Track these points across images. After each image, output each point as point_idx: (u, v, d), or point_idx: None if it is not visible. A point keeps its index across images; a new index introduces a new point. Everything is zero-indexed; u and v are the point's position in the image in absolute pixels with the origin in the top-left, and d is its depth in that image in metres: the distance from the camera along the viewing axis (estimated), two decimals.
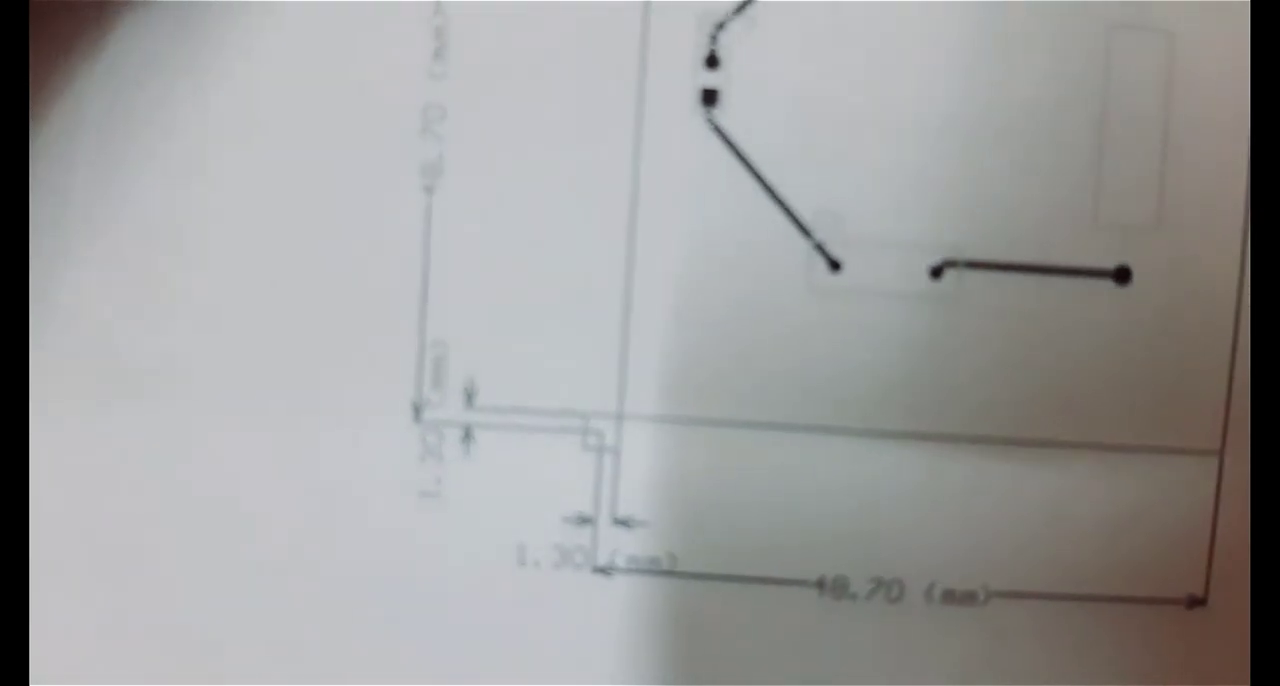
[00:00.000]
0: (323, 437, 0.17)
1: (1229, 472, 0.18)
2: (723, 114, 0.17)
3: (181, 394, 0.17)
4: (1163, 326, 0.17)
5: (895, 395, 0.17)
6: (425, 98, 0.17)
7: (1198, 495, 0.17)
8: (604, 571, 0.17)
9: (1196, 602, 0.18)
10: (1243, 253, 0.17)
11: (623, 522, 0.17)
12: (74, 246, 0.17)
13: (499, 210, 0.17)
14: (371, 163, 0.17)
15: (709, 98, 0.17)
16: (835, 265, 0.17)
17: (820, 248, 0.17)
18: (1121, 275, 0.17)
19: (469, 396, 0.17)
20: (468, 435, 0.17)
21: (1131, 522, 0.17)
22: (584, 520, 0.17)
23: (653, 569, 0.17)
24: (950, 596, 0.17)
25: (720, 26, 0.17)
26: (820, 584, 0.17)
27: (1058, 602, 0.17)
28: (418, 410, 0.17)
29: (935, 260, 0.17)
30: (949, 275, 0.17)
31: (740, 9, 0.17)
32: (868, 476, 0.17)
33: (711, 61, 0.17)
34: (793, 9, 0.17)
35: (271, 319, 0.17)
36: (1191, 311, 0.17)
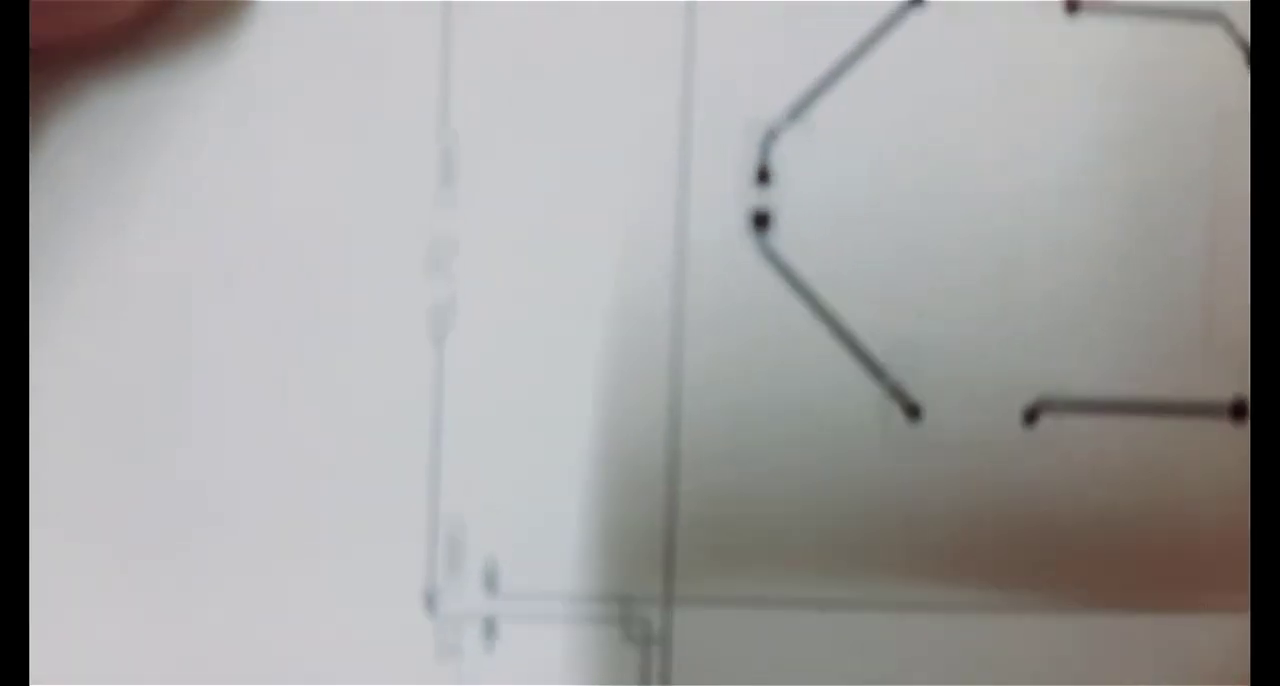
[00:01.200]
0: (323, 633, 0.14)
1: None
2: (777, 238, 0.14)
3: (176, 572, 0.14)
4: None
5: (986, 562, 0.15)
6: (433, 231, 0.14)
7: None
8: None
9: None
10: None
11: None
12: None
13: (520, 362, 0.14)
14: (374, 309, 0.14)
15: (761, 220, 0.14)
16: (914, 411, 0.15)
17: (896, 390, 0.15)
18: (1238, 410, 0.15)
19: (490, 581, 0.14)
20: (490, 628, 0.14)
21: None
22: None
23: None
24: None
25: (772, 135, 0.14)
26: None
27: None
28: (431, 600, 0.14)
29: (1029, 400, 0.15)
30: (1045, 420, 0.15)
31: (795, 114, 0.14)
32: (961, 655, 0.15)
33: (763, 176, 0.14)
34: (857, 112, 0.14)
35: (265, 496, 0.14)
36: None
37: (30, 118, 0.14)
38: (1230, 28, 0.15)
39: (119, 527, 0.14)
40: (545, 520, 0.14)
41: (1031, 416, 0.15)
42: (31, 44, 0.12)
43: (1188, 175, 0.15)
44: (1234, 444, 0.15)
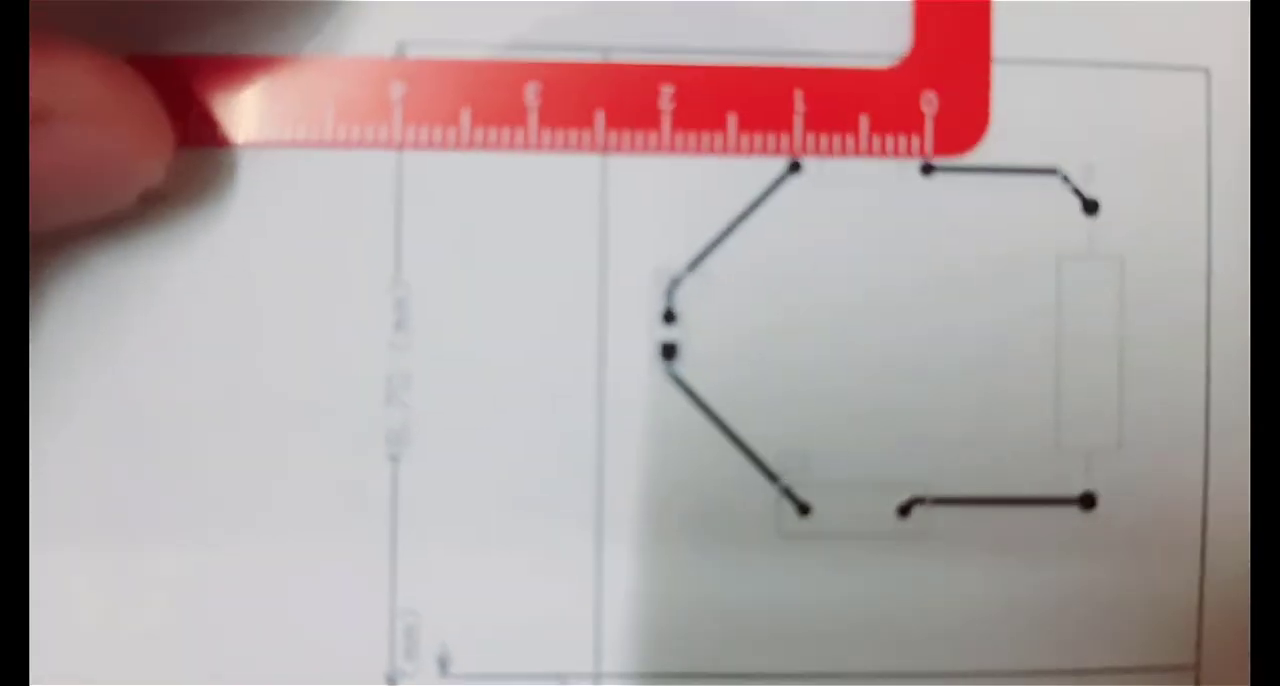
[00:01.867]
0: None
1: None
2: (682, 365, 0.17)
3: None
4: (1130, 547, 0.18)
5: (871, 635, 0.17)
6: (389, 367, 0.17)
7: None
8: None
9: None
10: (1205, 466, 0.18)
11: None
12: None
13: (467, 475, 0.17)
14: (338, 432, 0.17)
15: (668, 351, 0.17)
16: (804, 509, 0.17)
17: (788, 492, 0.17)
18: (1086, 501, 0.18)
19: (443, 665, 0.17)
20: None
21: None
22: None
23: None
24: None
25: (675, 282, 0.17)
26: None
27: None
28: (391, 682, 0.17)
29: (903, 498, 0.17)
30: (917, 512, 0.17)
31: (694, 265, 0.17)
32: None
33: (669, 316, 0.17)
34: (746, 261, 0.17)
35: (239, 590, 0.17)
36: (1158, 530, 0.18)
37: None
38: (1066, 179, 0.17)
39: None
40: (490, 609, 0.17)
41: (905, 510, 0.17)
42: (33, 228, 0.14)
43: (1033, 307, 0.17)
44: (1084, 529, 0.18)
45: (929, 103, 0.17)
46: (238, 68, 0.17)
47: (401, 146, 0.17)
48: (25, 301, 0.15)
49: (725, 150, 0.17)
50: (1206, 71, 0.18)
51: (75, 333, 0.17)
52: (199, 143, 0.17)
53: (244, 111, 0.17)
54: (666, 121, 0.17)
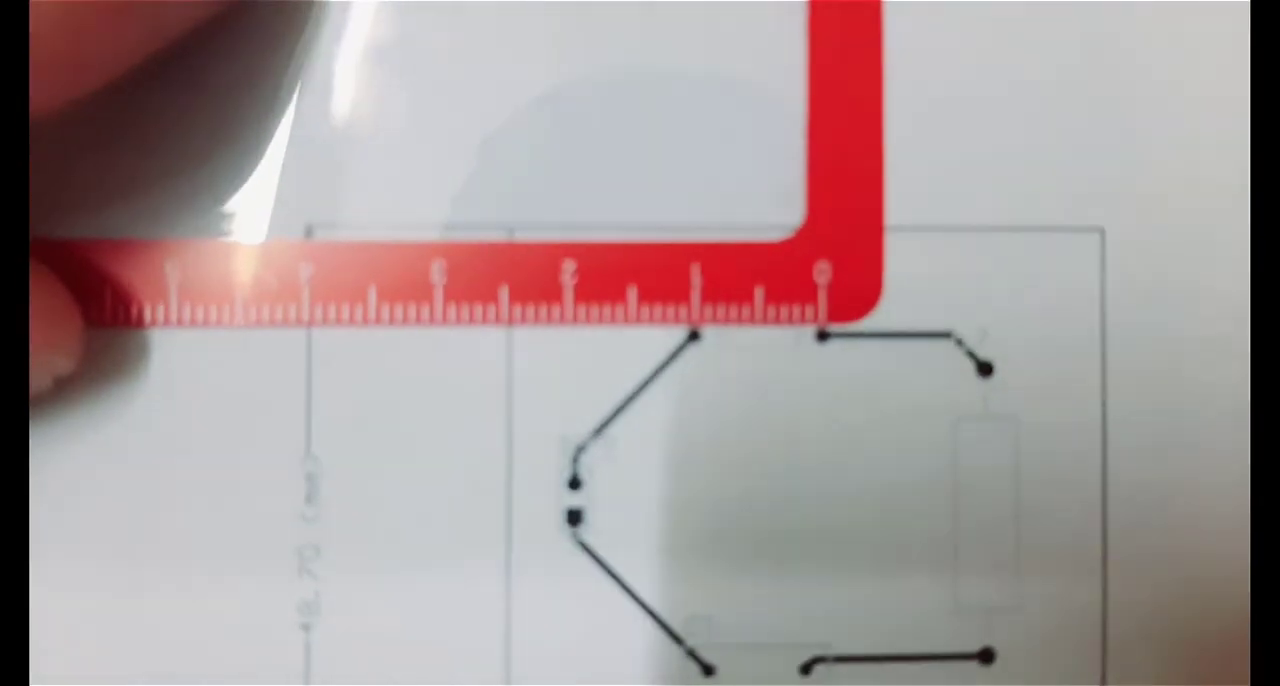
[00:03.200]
0: None
1: None
2: (587, 531, 0.18)
3: None
4: None
5: None
6: (300, 538, 0.17)
7: None
8: None
9: None
10: (1103, 622, 0.18)
11: None
12: None
13: (377, 642, 0.17)
14: (251, 603, 0.17)
15: (574, 517, 0.18)
16: (709, 670, 0.18)
17: (693, 653, 0.18)
18: (985, 656, 0.18)
19: None
20: None
21: None
22: None
23: None
24: None
25: (580, 449, 0.18)
26: None
27: None
28: None
29: (804, 657, 0.18)
30: (818, 670, 0.18)
31: (598, 432, 0.18)
32: None
33: (574, 483, 0.18)
34: (649, 428, 0.18)
35: None
36: (1057, 682, 0.18)
37: None
38: (960, 342, 0.18)
39: None
40: None
41: (807, 669, 0.18)
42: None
43: (930, 467, 0.18)
44: (984, 681, 0.18)
45: (822, 272, 0.18)
46: (151, 251, 0.17)
47: (310, 324, 0.17)
48: (25, 301, 0.15)
49: (626, 321, 0.17)
50: (1101, 231, 0.18)
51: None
52: (114, 323, 0.17)
53: (157, 293, 0.17)
54: (569, 295, 0.17)
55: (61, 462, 0.17)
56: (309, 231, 0.17)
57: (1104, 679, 0.18)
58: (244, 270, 0.17)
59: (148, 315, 0.17)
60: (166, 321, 0.17)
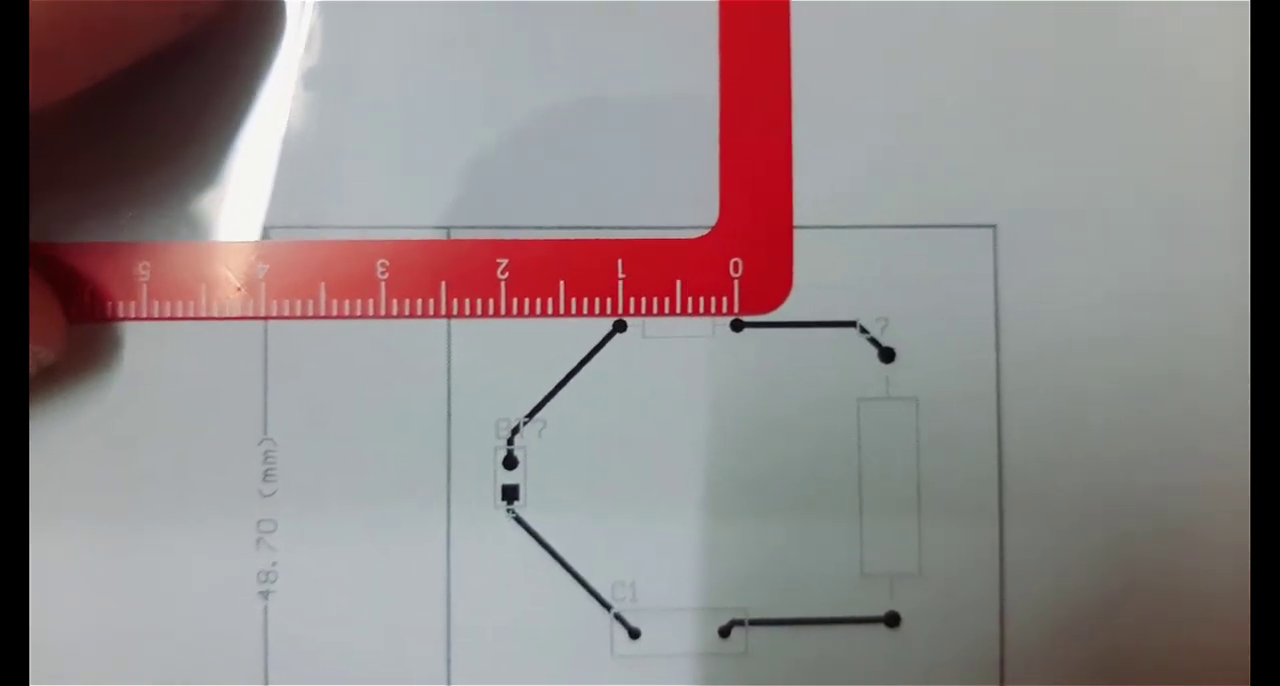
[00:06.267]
0: None
1: None
2: (523, 506, 0.19)
3: None
4: (932, 663, 0.19)
5: None
6: (258, 513, 0.19)
7: None
8: None
9: None
10: (1001, 584, 0.19)
11: None
12: None
13: (330, 608, 0.19)
14: (212, 574, 0.19)
15: (509, 493, 0.19)
16: (634, 633, 0.19)
17: (619, 618, 0.19)
18: (891, 620, 0.19)
19: None
20: None
21: None
22: None
23: None
24: None
25: (515, 431, 0.19)
26: None
27: None
28: None
29: (723, 621, 0.19)
30: (736, 633, 0.19)
31: (532, 415, 0.19)
32: None
33: (509, 462, 0.19)
34: (578, 411, 0.19)
35: None
36: (956, 647, 0.20)
37: None
38: (864, 330, 0.19)
39: None
40: None
41: (725, 632, 0.19)
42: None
43: (837, 446, 0.19)
44: (890, 644, 0.19)
45: (736, 267, 0.19)
46: (124, 252, 0.19)
47: (267, 317, 0.19)
48: (25, 301, 0.16)
49: (556, 313, 0.19)
50: (994, 228, 0.20)
51: None
52: (92, 319, 0.19)
53: (130, 291, 0.19)
54: (503, 289, 0.19)
55: (41, 441, 0.19)
56: (266, 233, 0.19)
57: (1003, 639, 0.19)
58: (207, 269, 0.19)
59: (121, 310, 0.19)
60: (138, 315, 0.19)
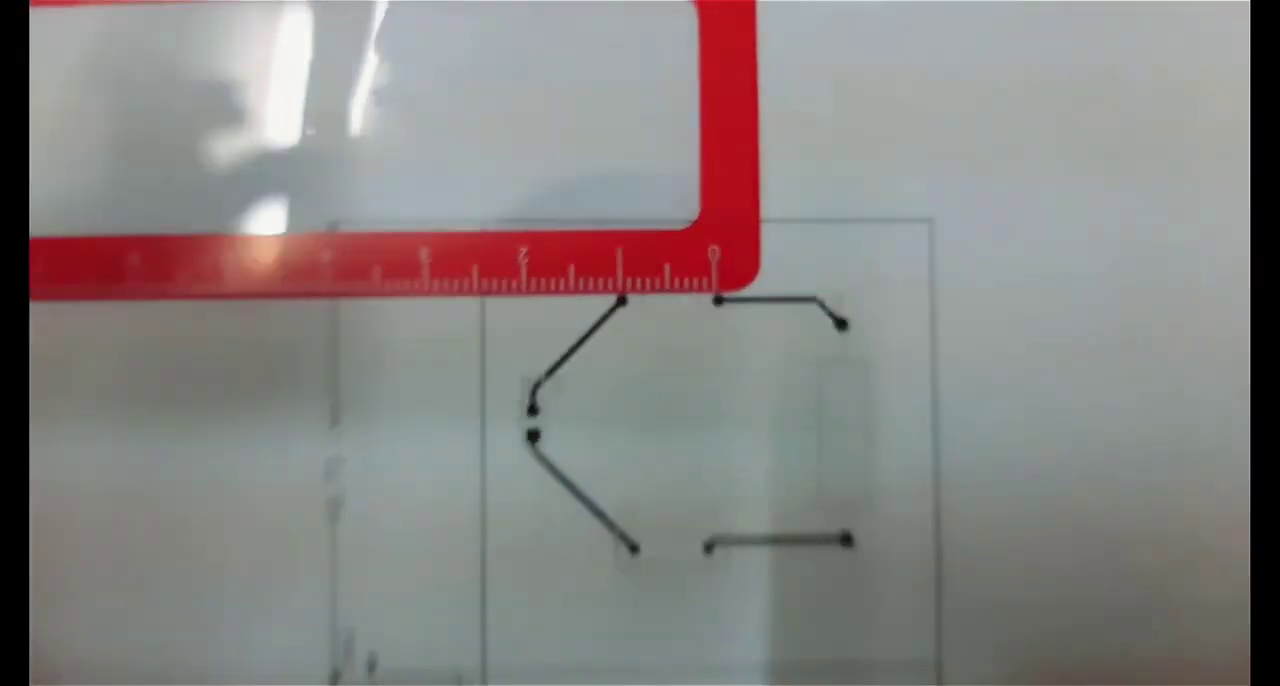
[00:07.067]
0: None
1: None
2: (544, 446, 0.24)
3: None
4: (880, 579, 0.24)
5: (681, 636, 0.24)
6: (327, 454, 0.24)
7: None
8: None
9: None
10: (936, 511, 0.24)
11: None
12: None
13: (392, 528, 0.24)
14: (285, 501, 0.24)
15: (532, 436, 0.24)
16: (634, 548, 0.24)
17: (623, 536, 0.24)
18: (846, 539, 0.24)
19: (371, 665, 0.24)
20: None
21: None
22: None
23: None
24: None
25: (537, 386, 0.24)
26: None
27: None
28: (334, 677, 0.24)
29: (706, 538, 0.24)
30: (718, 550, 0.24)
31: (550, 373, 0.24)
32: None
33: (532, 410, 0.24)
34: (588, 370, 0.24)
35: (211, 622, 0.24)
36: (903, 566, 0.24)
37: None
38: (823, 305, 0.24)
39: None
40: (405, 624, 0.24)
41: (709, 547, 0.24)
42: None
43: (801, 401, 0.24)
44: (846, 562, 0.24)
45: (714, 253, 0.23)
46: (217, 244, 0.23)
47: (334, 295, 0.23)
48: (25, 301, 0.19)
49: (568, 291, 0.23)
50: (930, 221, 0.24)
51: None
52: (183, 297, 0.23)
53: (224, 270, 0.23)
54: (524, 272, 0.23)
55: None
56: (333, 225, 0.23)
57: (939, 553, 0.24)
58: (281, 256, 0.23)
59: (217, 287, 0.23)
60: (218, 296, 0.23)
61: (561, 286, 0.23)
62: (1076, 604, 0.24)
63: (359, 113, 0.23)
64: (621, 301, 0.24)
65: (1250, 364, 0.23)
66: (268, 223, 0.23)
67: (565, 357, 0.24)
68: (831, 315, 0.24)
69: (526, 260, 0.23)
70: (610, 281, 0.23)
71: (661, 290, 0.23)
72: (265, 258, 0.23)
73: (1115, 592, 0.24)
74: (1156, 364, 0.24)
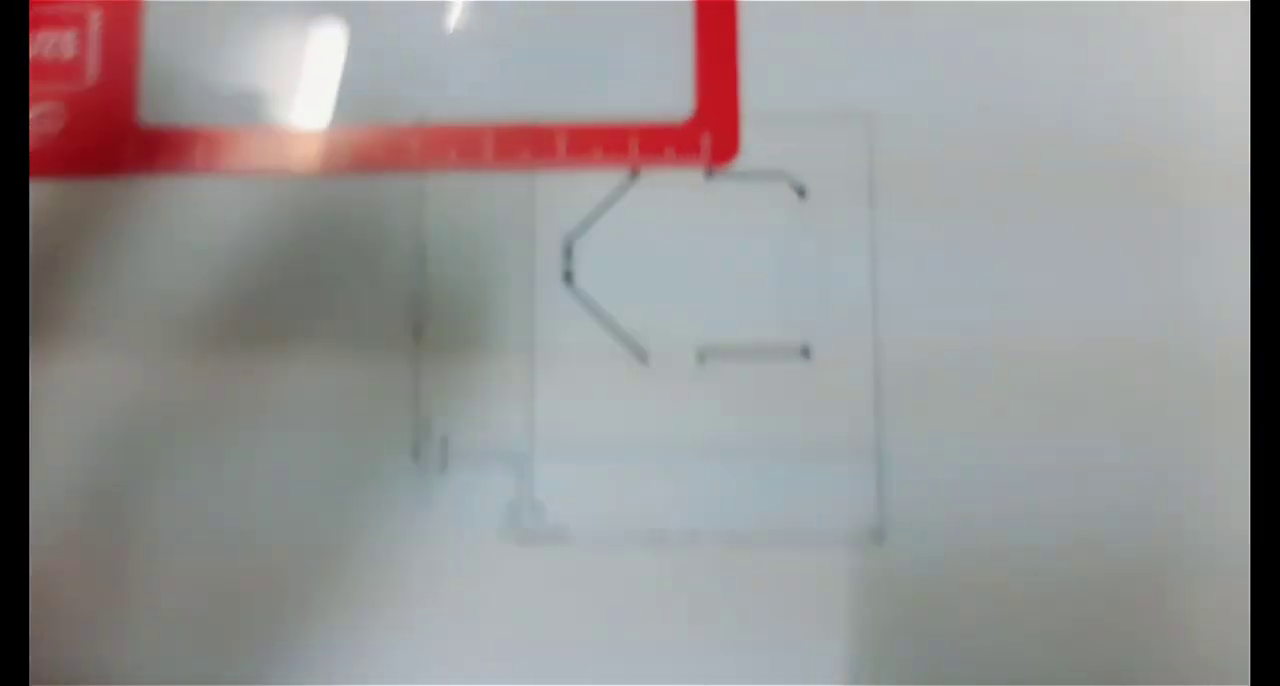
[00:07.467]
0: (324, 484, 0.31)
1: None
2: (577, 284, 0.31)
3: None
4: (838, 388, 0.31)
5: (699, 435, 0.31)
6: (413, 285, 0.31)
7: None
8: None
9: None
10: (874, 330, 0.31)
11: None
12: None
13: (478, 341, 0.31)
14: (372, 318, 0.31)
15: (568, 276, 0.32)
16: (644, 357, 0.31)
17: (640, 351, 0.31)
18: (805, 352, 0.31)
19: (443, 444, 0.31)
20: (443, 465, 0.31)
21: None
22: None
23: None
24: None
25: (571, 238, 0.32)
26: None
27: None
28: (415, 452, 0.31)
29: (698, 347, 0.31)
30: (708, 359, 0.31)
31: (584, 229, 0.32)
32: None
33: (568, 255, 0.32)
34: (613, 225, 0.32)
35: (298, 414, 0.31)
36: (859, 373, 0.31)
37: None
38: (787, 177, 0.32)
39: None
40: (479, 407, 0.31)
41: (702, 357, 0.31)
42: None
43: (770, 242, 0.32)
44: (804, 374, 0.31)
45: (706, 139, 0.32)
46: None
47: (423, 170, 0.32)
48: (25, 301, 0.22)
49: (602, 165, 0.32)
50: (868, 115, 0.32)
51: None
52: (274, 172, 0.32)
53: (309, 151, 0.32)
54: (563, 151, 0.32)
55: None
56: (420, 118, 0.32)
57: (878, 350, 0.31)
58: (366, 143, 0.32)
59: (302, 165, 0.32)
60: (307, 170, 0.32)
61: (599, 161, 0.32)
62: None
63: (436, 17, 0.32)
64: (636, 174, 0.32)
65: (1250, 363, 0.30)
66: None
67: (595, 217, 0.32)
68: (793, 184, 0.32)
69: (565, 143, 0.32)
70: (627, 158, 0.32)
71: (668, 164, 0.32)
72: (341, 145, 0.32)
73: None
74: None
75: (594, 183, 0.32)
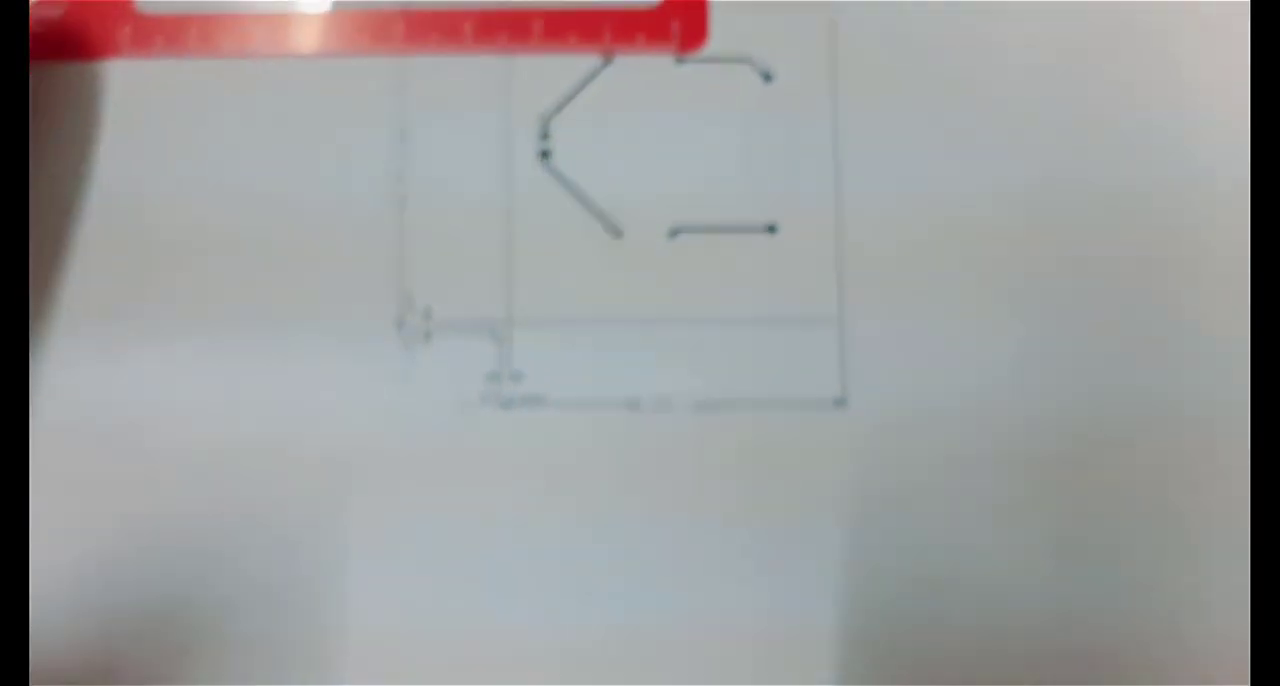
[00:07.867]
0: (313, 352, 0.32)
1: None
2: (553, 163, 0.33)
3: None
4: (802, 263, 0.33)
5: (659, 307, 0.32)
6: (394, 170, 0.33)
7: None
8: None
9: None
10: (836, 224, 0.33)
11: None
12: None
13: (459, 217, 0.32)
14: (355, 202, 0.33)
15: (545, 153, 0.33)
16: (618, 233, 0.33)
17: (614, 227, 0.33)
18: (771, 228, 0.33)
19: (427, 315, 0.32)
20: (427, 337, 0.32)
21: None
22: None
23: None
24: None
25: (547, 117, 0.33)
26: None
27: None
28: (400, 323, 0.32)
29: (670, 225, 0.33)
30: (681, 235, 0.33)
31: (559, 109, 0.33)
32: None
33: (544, 134, 0.33)
34: (588, 106, 0.33)
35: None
36: (822, 249, 0.33)
37: None
38: (751, 63, 0.33)
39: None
40: (461, 276, 0.32)
41: (674, 233, 0.33)
42: None
43: (743, 132, 0.33)
44: (770, 249, 0.33)
45: (675, 25, 0.33)
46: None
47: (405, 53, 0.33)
48: (25, 301, 0.22)
49: (574, 49, 0.33)
50: (831, 2, 0.33)
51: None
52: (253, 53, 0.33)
53: (298, 35, 0.33)
54: (538, 36, 0.33)
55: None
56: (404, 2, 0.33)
57: (840, 227, 0.33)
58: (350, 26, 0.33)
59: (287, 47, 0.33)
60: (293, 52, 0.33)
61: (574, 46, 0.33)
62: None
63: None
64: (610, 59, 0.33)
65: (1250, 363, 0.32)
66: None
67: (570, 98, 0.33)
68: (759, 70, 0.33)
69: (541, 28, 0.33)
70: (601, 43, 0.33)
71: (640, 49, 0.33)
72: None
73: None
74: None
75: (569, 67, 0.33)
